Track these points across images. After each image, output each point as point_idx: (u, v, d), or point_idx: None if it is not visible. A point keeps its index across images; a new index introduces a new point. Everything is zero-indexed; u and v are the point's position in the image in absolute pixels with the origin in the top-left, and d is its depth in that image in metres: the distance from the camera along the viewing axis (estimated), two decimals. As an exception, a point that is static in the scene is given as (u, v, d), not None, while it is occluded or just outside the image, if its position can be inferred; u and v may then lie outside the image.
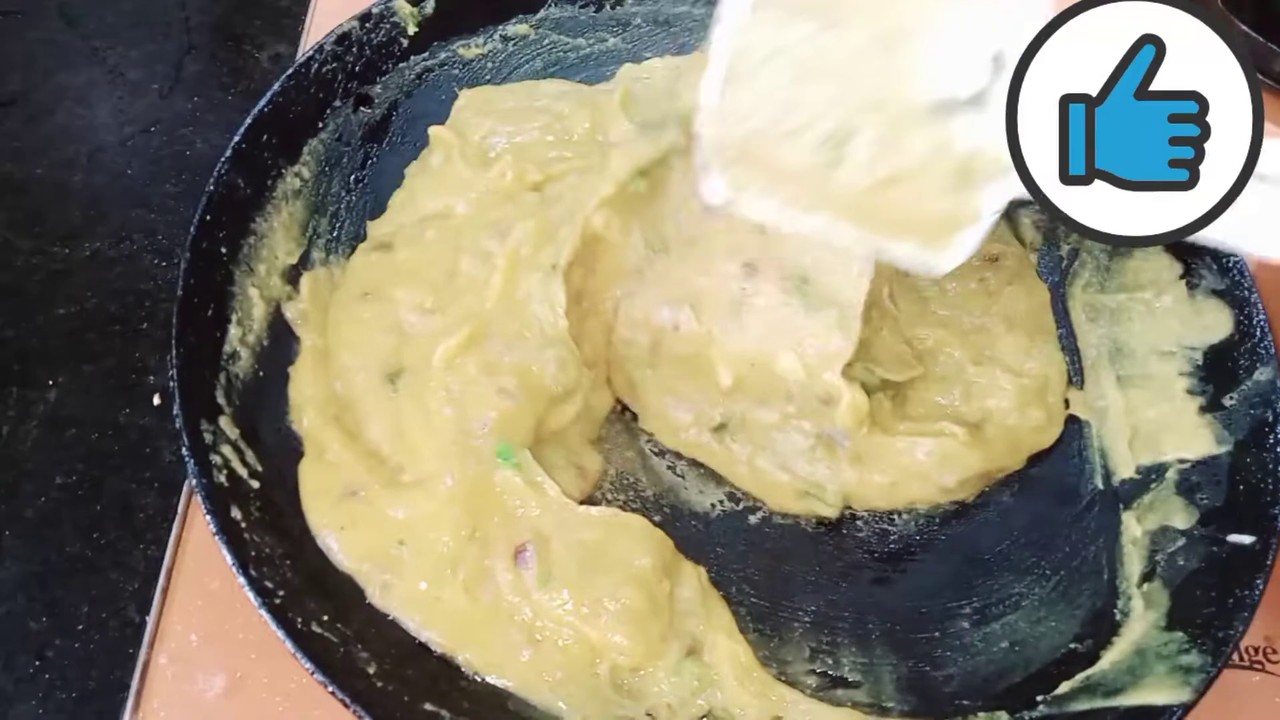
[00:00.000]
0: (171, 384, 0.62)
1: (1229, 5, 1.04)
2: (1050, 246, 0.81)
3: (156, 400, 0.83)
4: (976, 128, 0.56)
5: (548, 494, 0.65)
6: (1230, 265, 0.71)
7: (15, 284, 0.88)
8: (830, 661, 0.66)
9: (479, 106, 0.80)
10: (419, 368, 0.70)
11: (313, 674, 0.55)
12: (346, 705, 0.54)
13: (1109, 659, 0.62)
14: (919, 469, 0.71)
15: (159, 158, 0.97)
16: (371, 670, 0.58)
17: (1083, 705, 0.60)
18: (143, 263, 0.90)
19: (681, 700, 0.62)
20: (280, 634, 0.56)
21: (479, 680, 0.61)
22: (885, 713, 0.63)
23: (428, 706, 0.57)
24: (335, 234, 0.77)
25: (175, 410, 0.61)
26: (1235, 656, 0.73)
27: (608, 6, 0.87)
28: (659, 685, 0.63)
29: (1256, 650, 0.73)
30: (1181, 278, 0.73)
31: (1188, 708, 0.58)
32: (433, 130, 0.79)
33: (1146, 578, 0.66)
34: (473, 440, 0.67)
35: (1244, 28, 1.02)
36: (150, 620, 0.69)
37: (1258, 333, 0.69)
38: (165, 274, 0.89)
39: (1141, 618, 0.64)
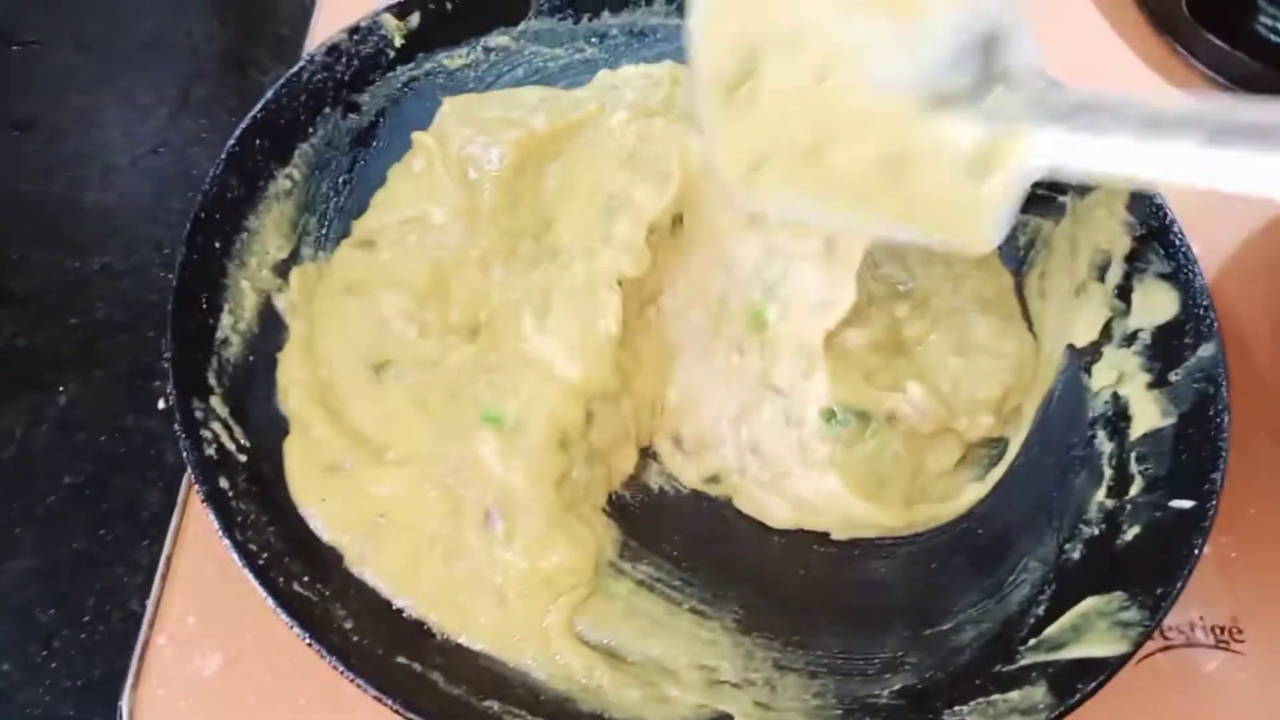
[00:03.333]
0: (166, 364, 0.65)
1: (1195, 15, 1.07)
2: (1008, 239, 0.84)
3: (162, 404, 0.85)
4: (975, 120, 0.57)
5: (519, 449, 0.68)
6: (1176, 249, 0.74)
7: (30, 294, 0.91)
8: None
9: (461, 115, 0.83)
10: (408, 365, 0.73)
11: (291, 628, 0.58)
12: (323, 657, 0.57)
13: (1055, 622, 0.64)
14: None
15: (167, 176, 0.99)
16: (349, 626, 0.61)
17: (1027, 660, 0.63)
18: (150, 275, 0.92)
19: None
20: (261, 592, 0.59)
21: (450, 640, 0.64)
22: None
23: (401, 660, 0.60)
24: (324, 232, 0.80)
25: (169, 389, 0.65)
26: (1201, 636, 0.75)
27: (585, 19, 0.90)
28: None
29: (1223, 630, 0.75)
30: (1127, 261, 0.76)
31: (1126, 658, 0.60)
32: (416, 135, 0.82)
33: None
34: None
35: (1209, 35, 1.05)
36: (150, 603, 0.72)
37: (1201, 311, 0.71)
38: (172, 286, 0.92)
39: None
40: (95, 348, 0.89)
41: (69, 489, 0.81)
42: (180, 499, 0.77)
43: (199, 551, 0.74)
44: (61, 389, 0.86)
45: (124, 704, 0.68)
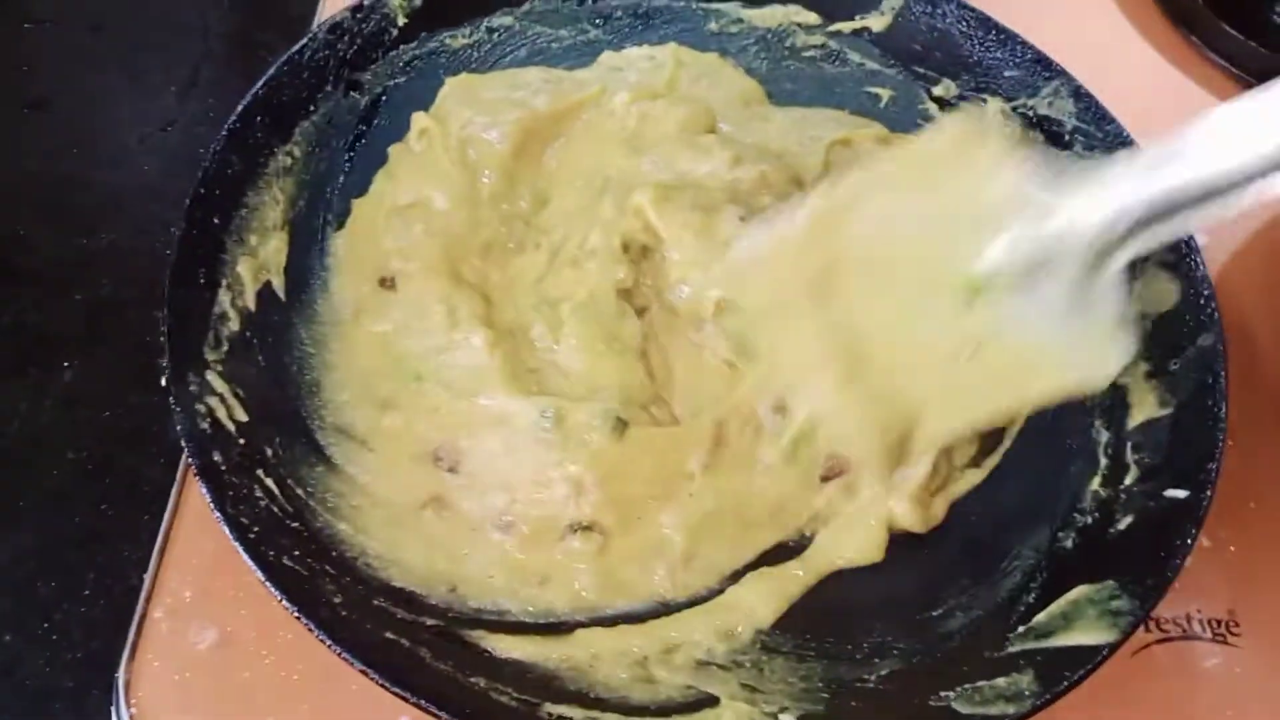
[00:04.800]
0: (162, 338, 0.66)
1: (1211, 6, 1.06)
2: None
3: (164, 381, 0.85)
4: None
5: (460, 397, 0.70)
6: (1179, 239, 0.73)
7: (37, 271, 0.91)
8: None
9: (462, 95, 0.84)
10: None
11: (280, 601, 0.58)
12: (311, 631, 0.57)
13: (1045, 610, 0.64)
14: None
15: (174, 155, 1.00)
16: (337, 601, 0.61)
17: (1016, 647, 0.62)
18: (156, 253, 0.91)
19: None
20: (251, 565, 0.59)
21: (438, 611, 0.65)
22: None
23: (389, 635, 0.60)
24: (323, 211, 0.80)
25: (164, 363, 0.65)
26: (1198, 629, 0.75)
27: (590, 0, 0.90)
28: None
29: (1219, 623, 0.75)
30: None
31: (1115, 647, 0.59)
32: (416, 116, 0.83)
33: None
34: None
35: (1226, 27, 1.04)
36: (147, 578, 0.72)
37: (1202, 301, 0.71)
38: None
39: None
40: (100, 325, 0.89)
41: (72, 465, 0.82)
42: (179, 475, 0.77)
43: (197, 527, 0.75)
44: (66, 365, 0.87)
45: (120, 675, 0.69)
